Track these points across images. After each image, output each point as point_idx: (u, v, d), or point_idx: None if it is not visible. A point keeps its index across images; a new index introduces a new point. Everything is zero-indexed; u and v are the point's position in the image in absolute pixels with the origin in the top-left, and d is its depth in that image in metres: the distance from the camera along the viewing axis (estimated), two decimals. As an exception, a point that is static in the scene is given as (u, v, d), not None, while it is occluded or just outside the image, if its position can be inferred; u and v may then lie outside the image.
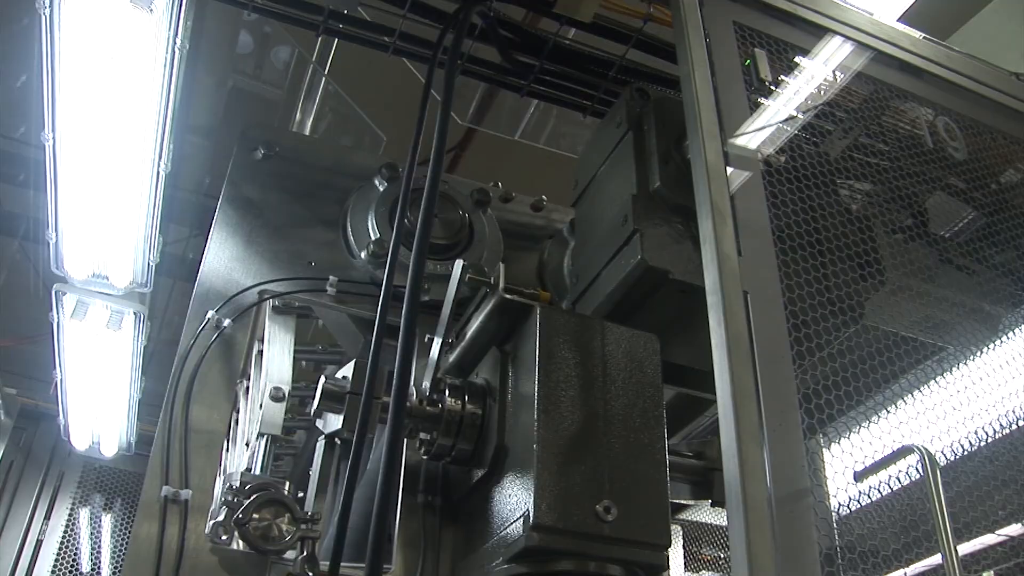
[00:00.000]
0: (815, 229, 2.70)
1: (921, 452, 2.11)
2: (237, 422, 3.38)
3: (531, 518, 2.27)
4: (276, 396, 3.03)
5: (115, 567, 6.10)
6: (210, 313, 3.02)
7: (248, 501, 2.59)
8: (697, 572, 5.61)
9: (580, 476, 2.37)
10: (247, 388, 3.31)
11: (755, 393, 2.05)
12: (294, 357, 3.23)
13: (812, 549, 2.11)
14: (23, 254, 6.61)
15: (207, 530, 2.67)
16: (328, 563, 2.34)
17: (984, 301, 3.10)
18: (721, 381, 2.06)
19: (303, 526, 2.60)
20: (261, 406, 3.00)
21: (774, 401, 2.09)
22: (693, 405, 3.36)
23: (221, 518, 2.67)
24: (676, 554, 5.22)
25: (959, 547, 2.25)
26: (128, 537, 5.99)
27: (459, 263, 2.79)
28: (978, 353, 3.02)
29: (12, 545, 5.73)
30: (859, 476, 2.21)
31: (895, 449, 2.18)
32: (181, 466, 2.75)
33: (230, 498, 2.64)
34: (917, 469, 2.21)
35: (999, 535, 2.69)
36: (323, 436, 2.97)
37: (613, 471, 2.41)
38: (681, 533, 5.31)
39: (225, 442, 3.01)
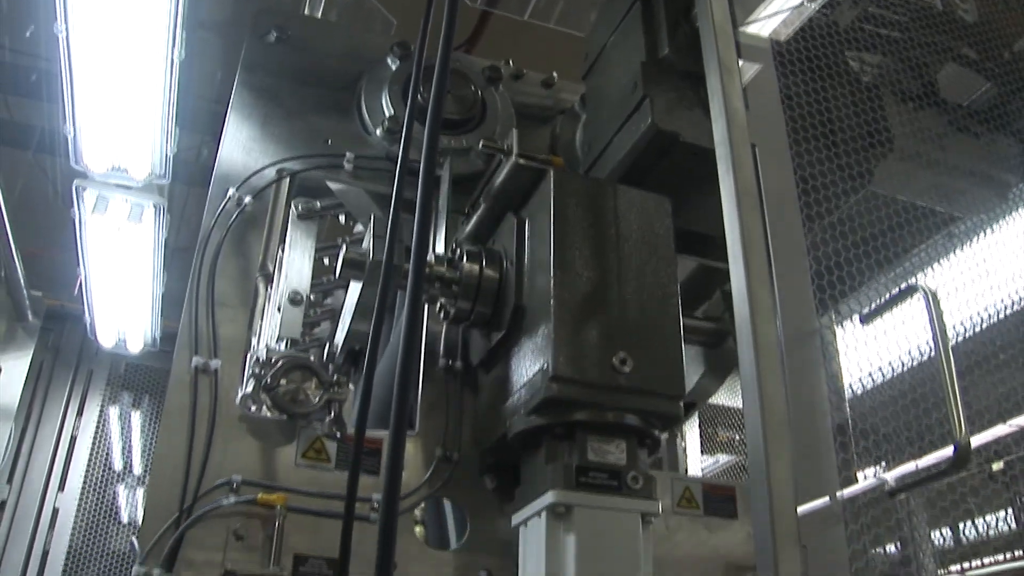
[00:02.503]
0: (824, 98, 2.73)
1: (925, 292, 2.17)
2: (260, 306, 3.46)
3: (550, 370, 2.36)
4: (295, 300, 3.09)
5: (146, 462, 6.27)
6: (231, 191, 3.09)
7: (276, 367, 2.68)
8: (713, 454, 5.71)
9: (596, 331, 2.45)
10: (271, 269, 3.38)
11: (763, 239, 2.11)
12: (316, 255, 3.30)
13: (821, 387, 2.20)
14: (38, 166, 6.65)
15: (237, 401, 2.77)
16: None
17: (995, 168, 3.13)
18: (730, 228, 2.12)
19: (330, 389, 2.69)
20: (280, 309, 3.07)
21: (783, 247, 2.15)
22: (710, 277, 3.41)
23: (250, 390, 2.76)
24: (692, 436, 5.29)
25: (971, 438, 2.31)
26: (157, 433, 6.15)
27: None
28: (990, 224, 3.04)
29: (49, 441, 5.90)
30: (865, 318, 2.27)
31: (900, 289, 2.24)
32: (209, 337, 2.84)
33: (258, 371, 2.73)
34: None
35: (1010, 425, 2.74)
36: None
37: (628, 325, 2.49)
38: (697, 415, 5.38)
39: (251, 316, 3.10)
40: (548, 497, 2.33)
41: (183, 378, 2.78)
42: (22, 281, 5.38)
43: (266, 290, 3.31)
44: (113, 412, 6.29)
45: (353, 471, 2.26)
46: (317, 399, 2.68)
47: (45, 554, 5.65)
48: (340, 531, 2.24)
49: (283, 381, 2.67)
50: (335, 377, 2.72)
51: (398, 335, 3.02)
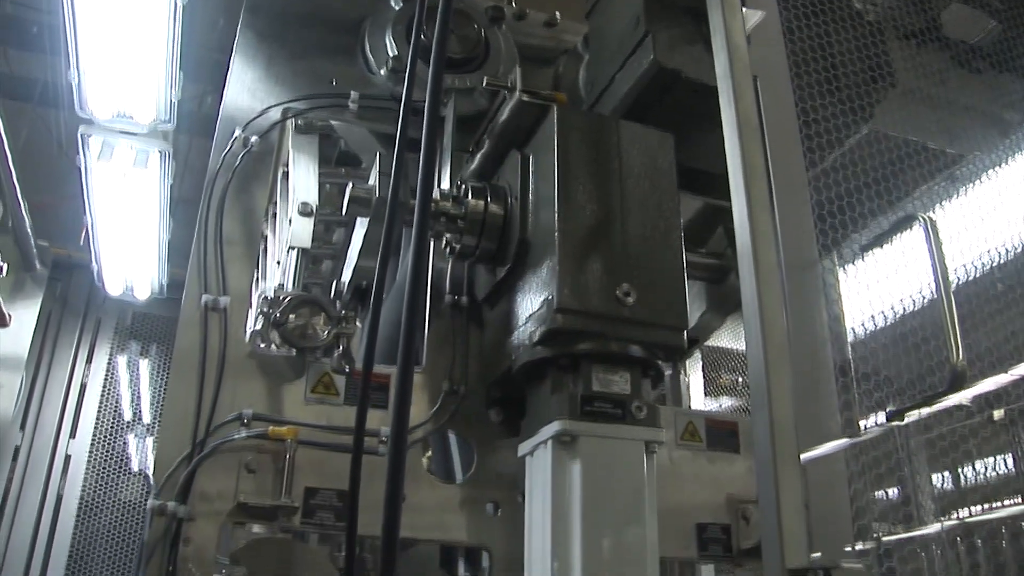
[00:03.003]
0: (826, 32, 2.73)
1: (924, 220, 2.19)
2: (266, 250, 3.49)
3: (554, 302, 2.40)
4: (304, 211, 3.12)
5: (155, 410, 6.33)
6: (237, 131, 3.12)
7: (284, 303, 2.72)
8: (716, 398, 5.75)
9: (599, 263, 2.48)
10: (275, 213, 3.41)
11: (764, 167, 2.13)
12: (319, 180, 3.32)
13: (821, 314, 2.23)
14: (40, 120, 6.64)
15: (246, 338, 2.81)
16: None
17: (998, 106, 3.13)
18: (732, 156, 2.15)
19: (338, 324, 2.73)
20: (290, 222, 3.09)
21: (783, 176, 2.17)
22: (714, 216, 3.44)
23: (259, 327, 2.80)
24: (696, 379, 5.33)
25: (974, 386, 2.33)
26: (166, 380, 6.21)
27: None
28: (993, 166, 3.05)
29: (59, 389, 5.97)
30: (865, 248, 2.30)
31: (898, 219, 2.26)
32: (218, 274, 2.88)
33: (266, 309, 2.77)
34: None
35: (1011, 374, 2.75)
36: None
37: (631, 258, 2.53)
38: (700, 359, 5.42)
39: (259, 257, 3.14)
40: (554, 426, 2.38)
41: (193, 316, 2.82)
42: (29, 230, 5.39)
43: (273, 233, 3.34)
44: (121, 360, 6.33)
45: (361, 405, 2.31)
46: (325, 334, 2.72)
47: (59, 499, 5.73)
48: (349, 464, 2.29)
49: (292, 317, 2.71)
50: (343, 312, 2.76)
51: (404, 272, 3.06)
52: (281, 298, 2.77)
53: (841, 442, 2.19)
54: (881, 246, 2.36)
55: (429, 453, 2.91)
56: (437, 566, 3.52)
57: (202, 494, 2.57)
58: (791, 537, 1.86)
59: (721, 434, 3.14)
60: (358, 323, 3.08)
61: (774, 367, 1.94)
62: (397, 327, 2.13)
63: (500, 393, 2.83)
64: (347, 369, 2.76)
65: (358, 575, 3.47)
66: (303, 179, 3.16)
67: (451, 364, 2.94)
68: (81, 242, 5.96)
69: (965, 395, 2.62)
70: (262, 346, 2.82)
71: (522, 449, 2.57)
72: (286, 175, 3.28)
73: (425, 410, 2.85)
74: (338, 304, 2.85)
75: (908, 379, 2.54)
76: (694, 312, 3.26)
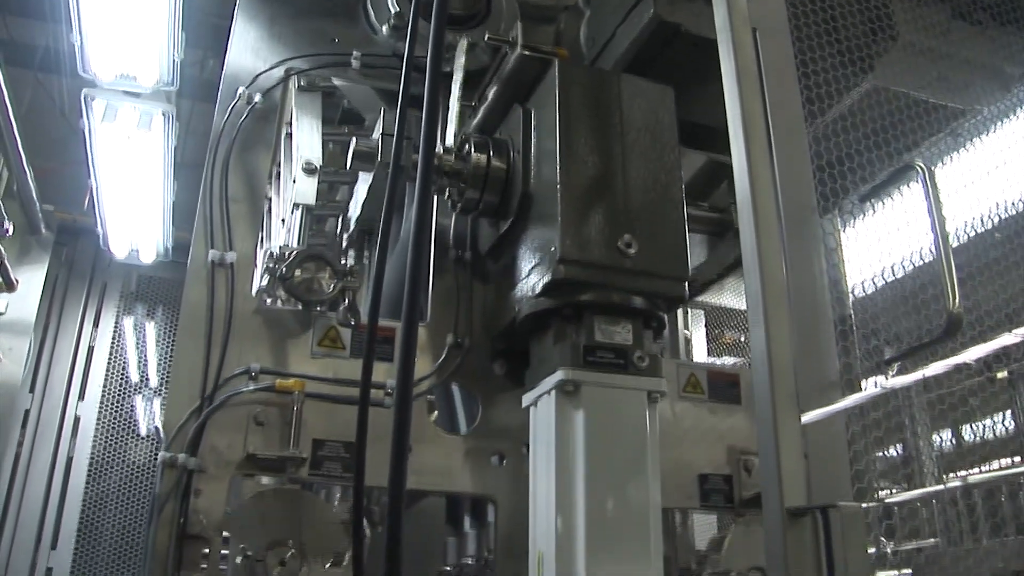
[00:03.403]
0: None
1: (920, 168, 2.20)
2: (271, 211, 3.52)
3: (557, 253, 2.43)
4: (308, 169, 3.14)
5: (162, 373, 6.37)
6: (240, 89, 3.14)
7: (290, 259, 2.75)
8: (719, 356, 5.79)
9: (601, 215, 2.51)
10: (279, 174, 3.43)
11: (763, 117, 2.15)
12: (322, 140, 3.34)
13: (820, 260, 2.26)
14: (42, 86, 6.64)
15: (252, 294, 2.85)
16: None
17: (1000, 60, 3.14)
18: (731, 108, 2.17)
19: (343, 278, 2.77)
20: (294, 180, 3.12)
21: (781, 124, 2.20)
22: (716, 172, 3.46)
23: (265, 284, 2.84)
24: (699, 337, 5.36)
25: (975, 348, 2.35)
26: (172, 343, 6.26)
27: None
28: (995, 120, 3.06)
29: (67, 352, 6.00)
30: (863, 197, 2.32)
31: (896, 168, 2.28)
32: (224, 231, 2.91)
33: (271, 265, 2.80)
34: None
35: (1015, 335, 2.77)
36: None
37: (633, 210, 2.56)
38: (703, 315, 5.45)
39: (263, 218, 3.17)
40: (557, 375, 2.42)
41: (200, 272, 2.85)
42: (34, 195, 5.42)
43: (277, 194, 3.37)
44: (128, 323, 6.37)
45: (367, 358, 2.35)
46: (331, 288, 2.75)
47: (69, 460, 5.80)
48: (356, 416, 2.33)
49: (297, 272, 2.75)
50: (348, 267, 2.80)
51: (408, 228, 3.09)
52: (287, 254, 2.80)
53: (842, 403, 2.22)
54: (880, 197, 2.38)
55: (435, 414, 2.96)
56: (443, 521, 3.57)
57: (212, 447, 2.62)
58: (790, 479, 1.90)
59: (723, 386, 3.18)
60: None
61: (773, 311, 1.97)
62: (402, 282, 2.16)
63: (504, 345, 2.87)
64: (353, 322, 2.79)
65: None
66: (307, 137, 3.19)
67: (455, 318, 2.98)
68: (85, 206, 5.99)
69: (968, 355, 2.65)
70: (268, 302, 2.86)
71: (526, 399, 2.61)
72: (290, 135, 3.30)
73: (430, 363, 2.90)
74: (343, 259, 2.89)
75: (908, 343, 2.57)
76: (695, 264, 3.29)
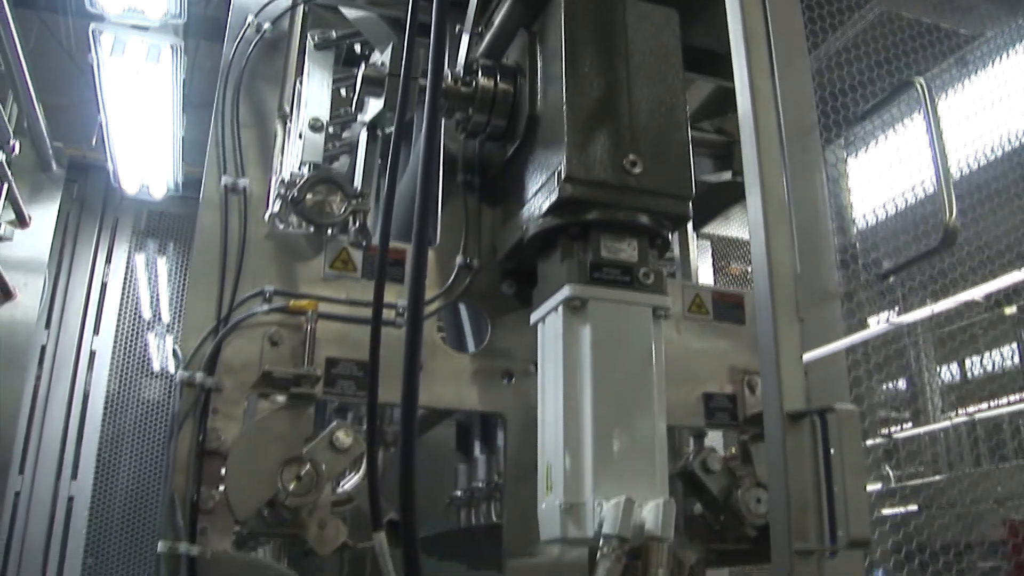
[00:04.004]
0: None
1: (919, 85, 2.25)
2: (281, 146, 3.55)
3: (563, 172, 2.48)
4: (315, 126, 3.20)
5: (175, 310, 6.45)
6: (249, 18, 3.16)
7: (302, 183, 2.80)
8: (725, 287, 5.82)
9: (607, 135, 2.56)
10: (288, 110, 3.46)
11: (765, 33, 2.19)
12: (334, 85, 3.37)
13: (820, 175, 2.31)
14: (48, 28, 6.63)
15: (264, 218, 2.90)
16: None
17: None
18: (733, 24, 2.20)
19: (354, 201, 2.82)
20: (301, 136, 3.17)
21: (783, 41, 2.23)
22: (725, 99, 3.48)
23: (277, 209, 2.89)
24: (705, 268, 5.40)
25: (986, 284, 2.40)
26: (184, 278, 6.34)
27: None
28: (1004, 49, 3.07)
29: (81, 287, 6.08)
30: (863, 115, 2.36)
31: (895, 86, 2.32)
32: (236, 157, 2.96)
33: (283, 191, 2.85)
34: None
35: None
36: (364, 125, 3.16)
37: (638, 130, 2.60)
38: (710, 246, 5.49)
39: (272, 151, 3.20)
40: (564, 291, 2.48)
41: (214, 197, 2.90)
42: (44, 131, 5.45)
43: (285, 121, 3.40)
44: (140, 259, 6.44)
45: (379, 278, 2.41)
46: (342, 210, 2.80)
47: (86, 396, 5.90)
48: (368, 336, 2.40)
49: (309, 195, 2.79)
50: (358, 189, 2.84)
51: (417, 152, 3.13)
52: (298, 179, 2.85)
53: (846, 341, 2.28)
54: (879, 114, 2.43)
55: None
56: (453, 448, 3.65)
57: (228, 366, 2.68)
58: (789, 383, 1.97)
59: (727, 306, 3.24)
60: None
61: (774, 222, 2.02)
62: (411, 206, 2.21)
63: (512, 265, 2.92)
64: (364, 244, 2.85)
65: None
66: (316, 95, 3.22)
67: (463, 240, 3.03)
68: (94, 142, 6.03)
69: (977, 292, 2.70)
70: (281, 227, 2.90)
71: (534, 316, 2.68)
72: (301, 66, 3.31)
73: (440, 283, 2.96)
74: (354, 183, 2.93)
75: (920, 279, 2.62)
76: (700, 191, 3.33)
